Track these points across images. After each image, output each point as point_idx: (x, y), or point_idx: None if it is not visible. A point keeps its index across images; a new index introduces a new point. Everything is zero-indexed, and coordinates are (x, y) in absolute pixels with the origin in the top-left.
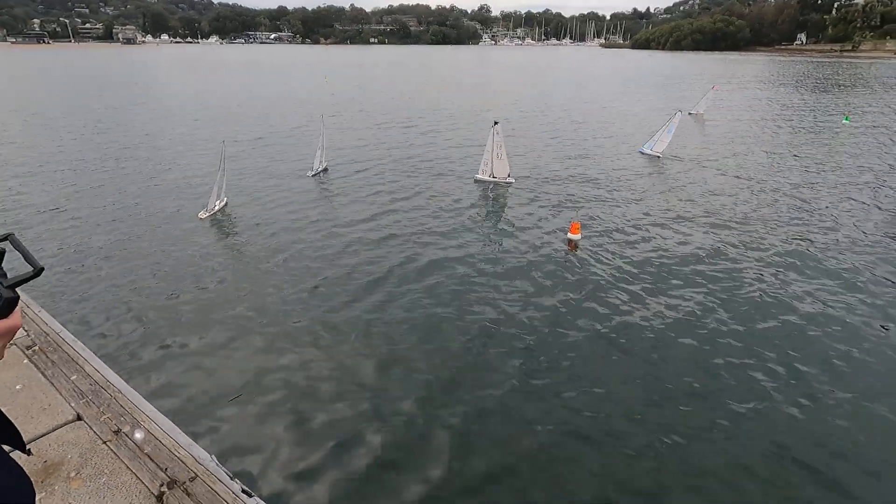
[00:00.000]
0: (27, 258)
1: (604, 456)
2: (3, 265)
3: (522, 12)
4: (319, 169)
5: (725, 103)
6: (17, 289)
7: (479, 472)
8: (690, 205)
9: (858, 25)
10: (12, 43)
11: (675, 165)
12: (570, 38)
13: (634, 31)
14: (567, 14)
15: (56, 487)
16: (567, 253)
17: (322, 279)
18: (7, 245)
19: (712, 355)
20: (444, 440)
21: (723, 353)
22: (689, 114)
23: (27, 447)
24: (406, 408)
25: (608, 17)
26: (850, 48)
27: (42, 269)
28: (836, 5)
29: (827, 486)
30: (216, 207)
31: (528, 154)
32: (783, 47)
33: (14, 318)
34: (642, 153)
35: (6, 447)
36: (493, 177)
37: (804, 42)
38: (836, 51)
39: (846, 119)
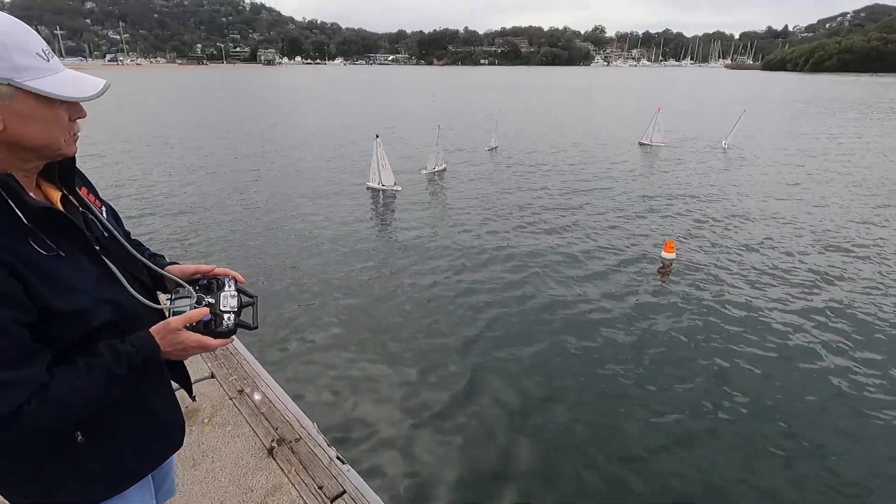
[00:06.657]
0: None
1: None
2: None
3: (640, 32)
4: (493, 146)
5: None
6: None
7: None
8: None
9: None
10: (179, 64)
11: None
12: (692, 59)
13: (768, 52)
14: (689, 34)
15: (193, 428)
16: (659, 278)
17: (473, 266)
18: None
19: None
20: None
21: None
22: (640, 143)
23: (193, 394)
24: (511, 405)
25: (737, 37)
26: None
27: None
28: None
29: None
30: (435, 168)
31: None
32: None
33: (222, 341)
34: (640, 143)
35: (174, 384)
36: (382, 185)
37: None
38: None
39: None
